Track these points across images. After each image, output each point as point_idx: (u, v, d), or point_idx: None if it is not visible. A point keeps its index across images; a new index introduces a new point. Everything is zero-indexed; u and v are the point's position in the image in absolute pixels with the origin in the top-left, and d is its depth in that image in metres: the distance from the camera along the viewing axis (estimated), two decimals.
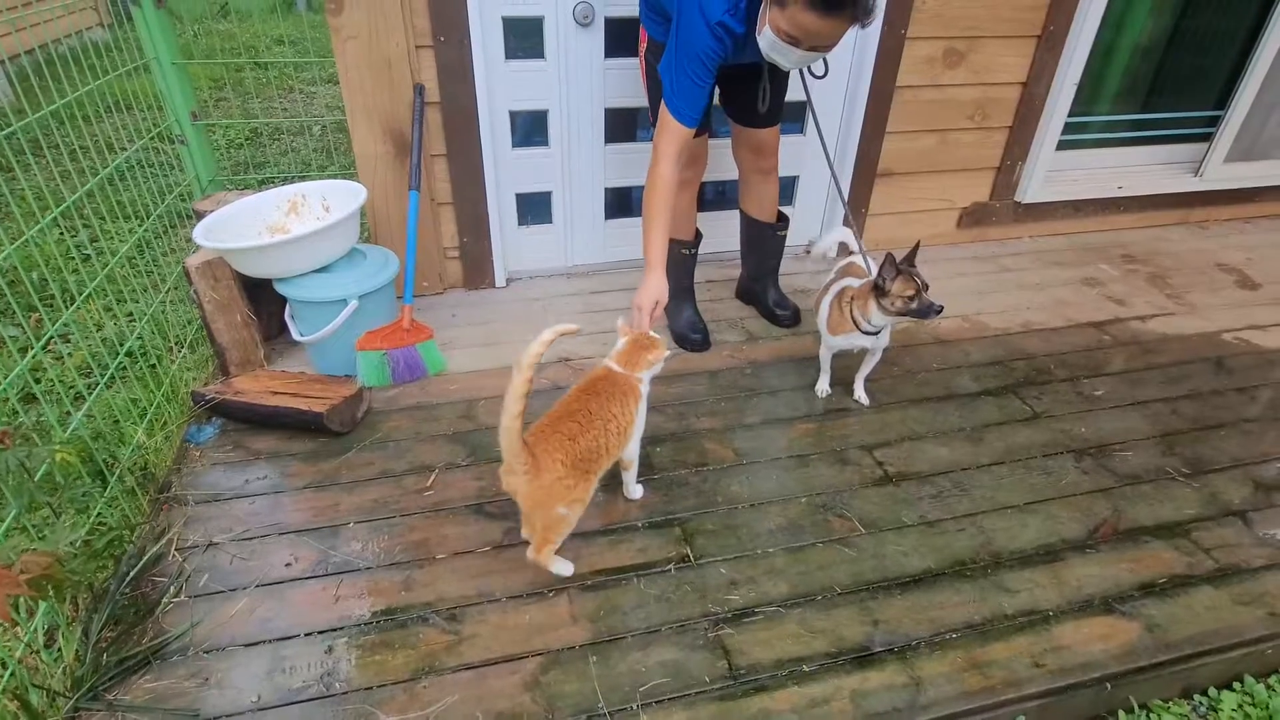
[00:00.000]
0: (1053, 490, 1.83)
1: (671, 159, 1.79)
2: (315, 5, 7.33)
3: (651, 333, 1.71)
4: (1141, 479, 1.87)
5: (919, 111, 2.68)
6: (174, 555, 1.60)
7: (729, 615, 1.49)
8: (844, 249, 2.20)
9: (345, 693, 1.34)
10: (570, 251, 2.74)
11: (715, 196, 2.75)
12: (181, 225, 2.75)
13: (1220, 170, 3.12)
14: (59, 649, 1.38)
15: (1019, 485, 1.84)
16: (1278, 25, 2.79)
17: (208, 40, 5.49)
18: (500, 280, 2.67)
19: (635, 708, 1.32)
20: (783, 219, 2.36)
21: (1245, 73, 2.92)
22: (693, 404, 2.10)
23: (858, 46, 2.51)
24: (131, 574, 1.53)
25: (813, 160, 2.71)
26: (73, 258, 2.80)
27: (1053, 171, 2.99)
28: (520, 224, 2.64)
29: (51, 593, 1.17)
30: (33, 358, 1.64)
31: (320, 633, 1.44)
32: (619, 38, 2.34)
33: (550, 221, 2.67)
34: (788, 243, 2.43)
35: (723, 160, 2.38)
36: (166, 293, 2.33)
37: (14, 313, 2.08)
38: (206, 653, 1.40)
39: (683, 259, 2.30)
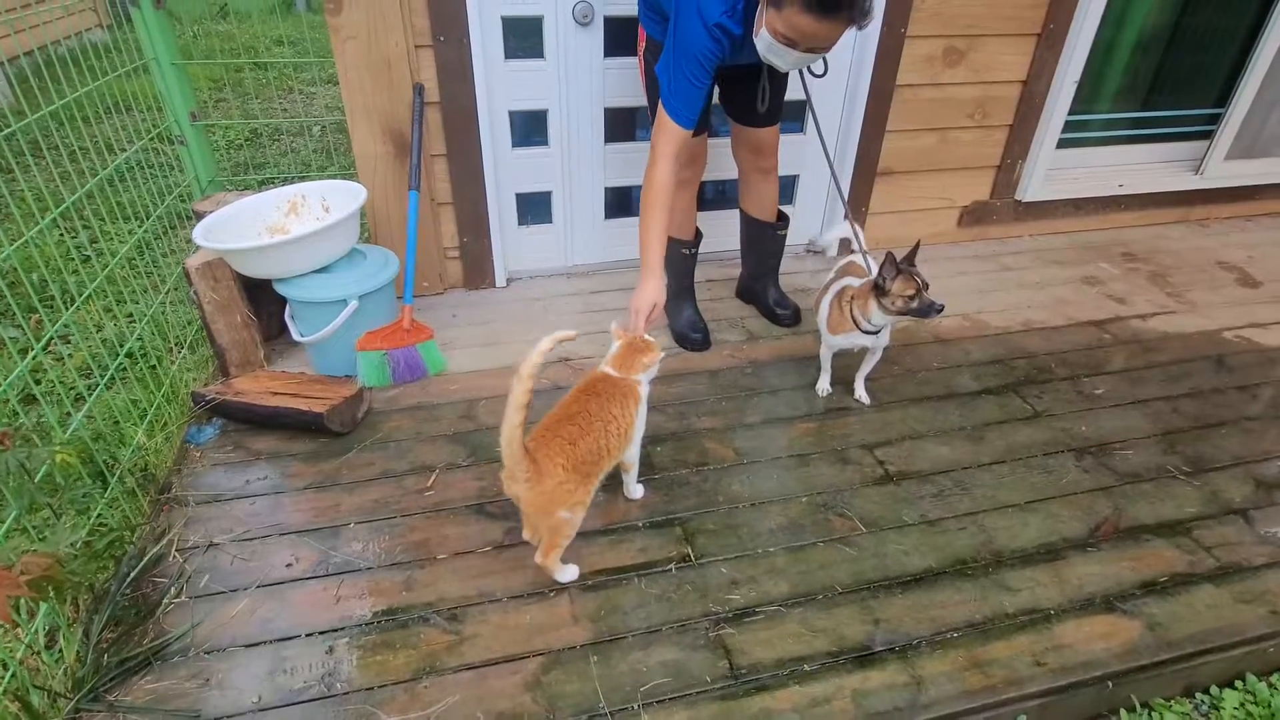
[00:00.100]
0: (1054, 489, 1.82)
1: (669, 160, 1.79)
2: (314, 5, 7.34)
3: (646, 335, 1.70)
4: (1142, 477, 1.87)
5: (919, 110, 2.68)
6: (174, 556, 1.60)
7: (730, 615, 1.49)
8: (846, 246, 2.20)
9: (346, 693, 1.34)
10: (570, 251, 2.74)
11: (715, 196, 2.75)
12: (181, 226, 2.75)
13: (1221, 168, 3.11)
14: (60, 650, 1.38)
15: (1020, 484, 1.84)
16: (1278, 22, 2.79)
17: (207, 41, 5.49)
18: (500, 280, 2.67)
19: (636, 707, 1.32)
20: (783, 218, 2.36)
21: (1246, 70, 2.92)
22: (693, 403, 2.10)
23: (857, 45, 2.51)
24: (132, 575, 1.53)
25: (813, 159, 2.71)
26: (73, 259, 2.80)
27: (1053, 170, 2.99)
28: (520, 224, 2.64)
29: (52, 594, 1.17)
30: (33, 359, 1.64)
31: (321, 633, 1.44)
32: (618, 37, 2.34)
33: (550, 221, 2.67)
34: (788, 242, 2.43)
35: (722, 159, 2.38)
36: (166, 293, 2.33)
37: (14, 314, 2.08)
38: (207, 653, 1.40)
39: (683, 258, 2.30)
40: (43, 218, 1.74)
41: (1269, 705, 1.46)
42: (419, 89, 2.23)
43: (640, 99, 2.17)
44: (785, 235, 2.40)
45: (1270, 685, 1.50)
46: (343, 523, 1.69)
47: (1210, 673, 1.48)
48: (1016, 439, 1.99)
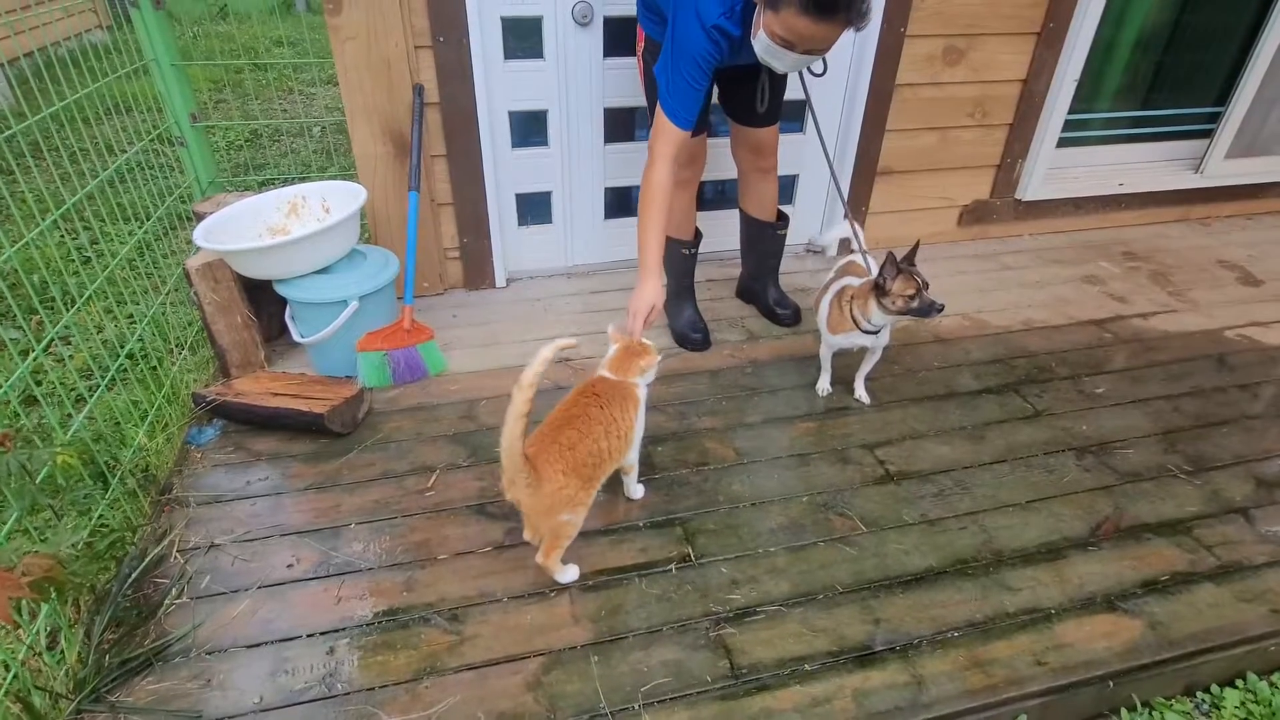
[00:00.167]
0: (1054, 488, 1.82)
1: (667, 161, 1.78)
2: (314, 6, 7.34)
3: (643, 339, 1.70)
4: (1143, 476, 1.86)
5: (919, 109, 2.68)
6: (176, 557, 1.60)
7: (730, 614, 1.49)
8: (846, 245, 2.20)
9: (347, 693, 1.34)
10: (570, 251, 2.74)
11: (715, 195, 2.75)
12: (181, 227, 2.75)
13: (1221, 166, 3.11)
14: (61, 651, 1.39)
15: (1020, 483, 1.84)
16: (1278, 20, 2.79)
17: (207, 42, 5.49)
18: (500, 280, 2.67)
19: (637, 707, 1.32)
20: (783, 218, 2.36)
21: (1246, 68, 2.91)
22: (693, 403, 2.10)
23: (857, 44, 2.51)
24: (133, 576, 1.53)
25: (812, 159, 2.71)
26: (73, 260, 2.81)
27: (1053, 169, 2.99)
28: (520, 224, 2.64)
29: (53, 595, 1.17)
30: (34, 360, 1.65)
31: (322, 634, 1.44)
32: (618, 37, 2.34)
33: (550, 221, 2.67)
34: (788, 242, 2.43)
35: (722, 159, 2.37)
36: (167, 294, 2.33)
37: (15, 315, 2.09)
38: (209, 654, 1.40)
39: (683, 258, 2.30)
40: (43, 219, 1.74)
41: (1270, 704, 1.46)
42: (419, 89, 2.23)
43: (639, 99, 2.17)
44: (785, 235, 2.40)
45: (1271, 684, 1.50)
46: (343, 523, 1.69)
47: (1211, 672, 1.48)
48: (1017, 438, 1.98)
